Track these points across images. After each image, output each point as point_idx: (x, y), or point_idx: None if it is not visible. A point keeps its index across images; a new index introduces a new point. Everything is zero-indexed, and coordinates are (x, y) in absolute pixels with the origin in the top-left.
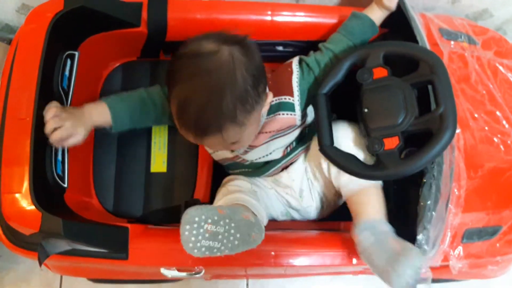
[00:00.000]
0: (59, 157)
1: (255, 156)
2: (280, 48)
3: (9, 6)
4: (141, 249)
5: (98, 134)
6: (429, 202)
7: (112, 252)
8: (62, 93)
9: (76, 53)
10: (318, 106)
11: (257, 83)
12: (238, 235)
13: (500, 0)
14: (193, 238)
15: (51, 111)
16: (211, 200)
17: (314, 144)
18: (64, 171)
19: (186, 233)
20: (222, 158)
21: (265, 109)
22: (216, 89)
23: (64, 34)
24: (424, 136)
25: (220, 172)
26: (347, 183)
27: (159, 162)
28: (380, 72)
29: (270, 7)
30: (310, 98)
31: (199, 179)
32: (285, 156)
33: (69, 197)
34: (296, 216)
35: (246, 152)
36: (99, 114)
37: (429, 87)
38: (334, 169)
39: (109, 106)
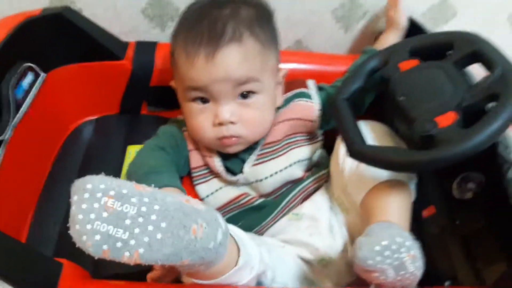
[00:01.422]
0: None
1: (273, 168)
2: None
3: None
4: None
5: (56, 167)
6: None
7: None
8: (11, 101)
9: (42, 73)
10: (340, 109)
11: (268, 24)
12: (163, 225)
13: None
14: (80, 216)
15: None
16: None
17: (335, 171)
18: None
19: (73, 207)
20: (224, 203)
21: (280, 87)
22: (232, 4)
23: (33, 42)
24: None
25: None
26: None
27: None
28: (409, 64)
29: None
30: (326, 111)
31: None
32: (304, 179)
33: None
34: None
35: (263, 160)
36: None
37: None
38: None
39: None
